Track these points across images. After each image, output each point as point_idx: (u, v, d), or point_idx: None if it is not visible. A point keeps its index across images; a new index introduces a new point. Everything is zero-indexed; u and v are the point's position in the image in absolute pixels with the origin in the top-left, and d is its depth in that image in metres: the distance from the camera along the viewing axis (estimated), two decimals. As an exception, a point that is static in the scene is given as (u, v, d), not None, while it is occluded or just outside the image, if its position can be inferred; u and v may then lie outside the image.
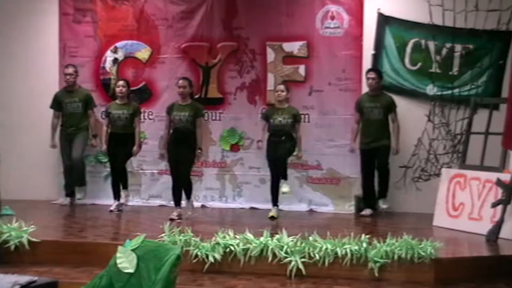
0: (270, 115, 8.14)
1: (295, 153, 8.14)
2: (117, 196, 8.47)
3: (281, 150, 8.00)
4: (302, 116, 8.79)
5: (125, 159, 8.53)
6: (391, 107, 8.36)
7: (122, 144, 8.36)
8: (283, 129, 8.03)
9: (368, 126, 8.34)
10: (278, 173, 8.00)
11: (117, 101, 8.48)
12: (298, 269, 6.00)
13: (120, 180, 8.49)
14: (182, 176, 7.89)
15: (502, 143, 6.85)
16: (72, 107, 8.79)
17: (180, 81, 8.10)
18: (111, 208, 8.33)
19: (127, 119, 8.37)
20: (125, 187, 8.58)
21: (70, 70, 8.85)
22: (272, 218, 7.81)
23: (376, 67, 8.66)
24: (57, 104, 8.83)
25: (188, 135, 7.90)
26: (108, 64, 9.39)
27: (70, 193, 8.90)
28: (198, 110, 8.03)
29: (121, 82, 8.52)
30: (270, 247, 6.13)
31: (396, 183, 8.59)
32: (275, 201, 8.03)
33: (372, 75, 8.35)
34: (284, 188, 7.94)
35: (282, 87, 8.24)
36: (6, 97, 8.06)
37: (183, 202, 7.90)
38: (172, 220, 7.34)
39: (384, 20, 8.84)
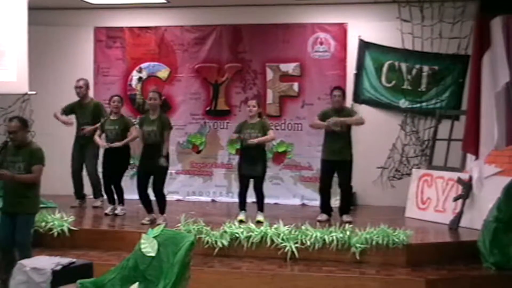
0: (242, 129, 7.18)
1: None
2: (112, 200, 7.66)
3: (254, 171, 7.06)
4: (296, 125, 8.87)
5: (119, 176, 7.59)
6: (351, 116, 7.35)
7: (114, 158, 7.45)
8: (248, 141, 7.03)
9: (332, 139, 7.27)
10: (256, 191, 7.14)
11: (111, 116, 7.59)
12: (293, 253, 6.02)
13: (116, 191, 7.64)
14: (156, 189, 7.01)
15: (462, 147, 6.86)
16: (83, 118, 7.96)
17: (151, 93, 7.11)
18: (106, 211, 7.56)
19: (118, 134, 7.44)
20: (120, 201, 7.64)
21: (81, 83, 7.99)
22: (241, 221, 6.80)
23: (342, 87, 8.12)
24: (69, 109, 8.03)
25: (157, 148, 6.90)
26: (134, 82, 9.42)
27: (81, 197, 8.18)
28: (165, 124, 6.99)
29: (116, 98, 7.63)
30: (269, 234, 6.16)
31: (374, 182, 8.59)
32: (242, 206, 7.19)
33: (338, 92, 7.35)
34: (259, 216, 7.05)
35: (253, 102, 7.31)
36: (51, 110, 8.12)
37: (158, 215, 7.02)
38: (144, 224, 6.86)
39: (364, 45, 8.86)
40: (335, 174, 7.44)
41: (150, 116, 7.05)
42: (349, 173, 7.37)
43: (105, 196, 7.88)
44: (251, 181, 7.18)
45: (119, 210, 7.60)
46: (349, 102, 8.54)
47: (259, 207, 7.20)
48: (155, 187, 7.03)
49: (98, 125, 7.69)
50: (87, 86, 8.14)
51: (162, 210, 7.08)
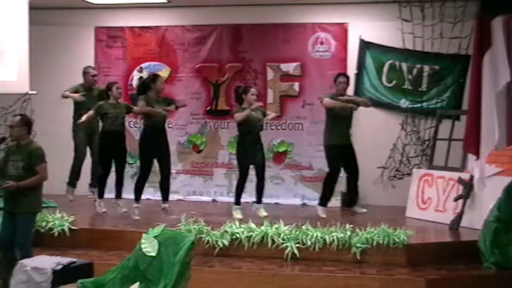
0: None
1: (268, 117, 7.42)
2: (102, 194, 7.58)
3: (260, 157, 7.22)
4: (296, 125, 8.87)
5: (122, 165, 7.55)
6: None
7: (113, 143, 7.39)
8: (257, 125, 7.22)
9: (339, 123, 7.38)
10: (259, 179, 7.28)
11: (109, 101, 7.43)
12: (293, 253, 6.02)
13: (118, 182, 7.54)
14: (166, 174, 7.13)
15: (463, 147, 6.87)
16: (88, 103, 7.76)
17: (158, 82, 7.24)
18: (102, 210, 7.50)
19: (118, 117, 7.39)
20: (119, 195, 7.53)
21: (95, 71, 8.26)
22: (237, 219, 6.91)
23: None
24: (73, 92, 7.90)
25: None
26: (134, 82, 9.39)
27: (74, 185, 8.16)
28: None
29: (117, 84, 7.66)
30: (270, 234, 6.15)
31: (374, 181, 8.58)
32: (238, 199, 7.33)
33: (344, 79, 7.53)
34: (263, 212, 7.18)
35: (255, 90, 7.39)
36: (52, 109, 8.15)
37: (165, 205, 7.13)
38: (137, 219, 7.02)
39: (365, 45, 8.86)
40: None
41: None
42: (355, 157, 7.46)
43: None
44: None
45: (124, 208, 7.47)
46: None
47: (259, 198, 7.27)
48: (165, 172, 7.11)
49: (91, 112, 7.38)
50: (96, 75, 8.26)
51: (167, 197, 7.22)
